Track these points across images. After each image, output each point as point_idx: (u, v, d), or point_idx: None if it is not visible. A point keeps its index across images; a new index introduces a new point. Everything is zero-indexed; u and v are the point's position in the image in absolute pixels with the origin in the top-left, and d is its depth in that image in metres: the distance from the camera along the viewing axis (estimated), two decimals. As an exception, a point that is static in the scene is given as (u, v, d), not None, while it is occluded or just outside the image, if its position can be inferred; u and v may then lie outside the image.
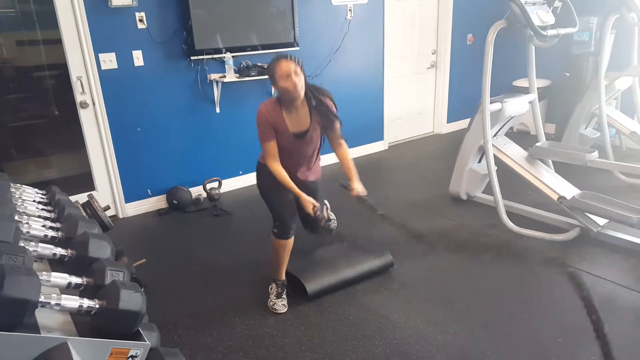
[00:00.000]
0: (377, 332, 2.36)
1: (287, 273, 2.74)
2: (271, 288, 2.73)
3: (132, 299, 1.00)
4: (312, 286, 2.63)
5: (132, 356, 0.97)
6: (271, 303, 2.67)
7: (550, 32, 3.19)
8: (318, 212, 2.38)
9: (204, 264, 3.12)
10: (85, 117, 3.65)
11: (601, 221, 3.17)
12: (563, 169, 3.69)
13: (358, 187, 2.42)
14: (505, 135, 3.80)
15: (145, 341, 0.99)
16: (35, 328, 0.91)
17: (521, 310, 2.49)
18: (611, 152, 4.24)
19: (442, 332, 2.34)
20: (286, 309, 2.64)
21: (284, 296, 2.70)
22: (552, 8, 3.36)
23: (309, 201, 2.37)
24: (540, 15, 3.18)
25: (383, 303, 2.61)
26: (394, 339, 2.31)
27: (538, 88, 5.32)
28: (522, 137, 5.35)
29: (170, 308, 2.63)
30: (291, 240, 2.63)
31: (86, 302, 0.98)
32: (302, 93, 2.31)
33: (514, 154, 3.56)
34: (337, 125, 2.48)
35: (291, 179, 2.46)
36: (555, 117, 5.55)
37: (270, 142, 2.40)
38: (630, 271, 2.82)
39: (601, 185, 3.96)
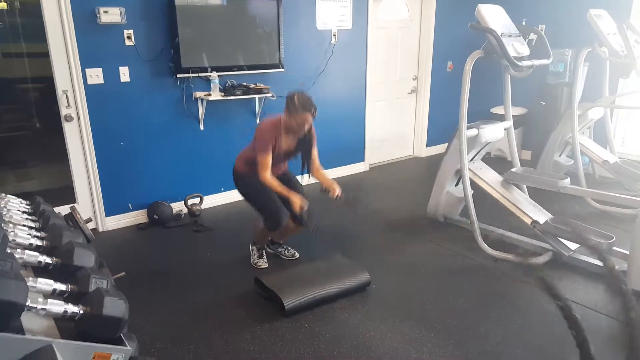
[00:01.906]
0: (353, 349, 2.40)
1: (265, 288, 2.80)
2: (252, 250, 3.30)
3: (115, 306, 1.04)
4: (289, 302, 2.65)
5: (113, 361, 1.00)
6: (254, 261, 3.25)
7: (525, 63, 3.33)
8: (304, 213, 2.86)
9: (183, 279, 3.12)
10: (69, 131, 3.66)
11: (573, 246, 3.26)
12: (538, 195, 3.80)
13: (337, 190, 2.92)
14: (483, 160, 3.92)
15: (127, 346, 1.02)
16: (20, 331, 0.94)
17: (494, 330, 2.56)
18: (584, 179, 4.36)
19: (417, 351, 2.39)
20: (267, 265, 3.22)
21: (264, 255, 3.28)
22: (527, 40, 3.53)
23: (297, 202, 2.81)
24: (516, 47, 3.33)
25: (360, 321, 2.65)
26: (370, 357, 2.34)
27: (515, 116, 5.52)
28: (499, 162, 5.52)
29: (149, 322, 2.62)
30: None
31: (70, 308, 1.02)
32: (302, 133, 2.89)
33: (490, 179, 3.68)
34: (315, 152, 3.02)
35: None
36: (531, 144, 5.74)
37: (269, 155, 2.83)
38: (599, 294, 2.91)
39: (574, 211, 4.10)
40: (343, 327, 2.58)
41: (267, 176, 2.84)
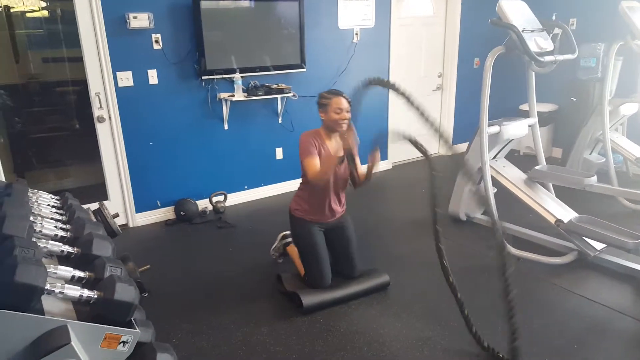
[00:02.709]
0: (366, 344, 2.44)
1: (285, 289, 2.88)
2: (278, 242, 3.29)
3: (126, 291, 1.13)
4: (308, 300, 2.71)
5: (123, 342, 1.09)
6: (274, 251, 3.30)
7: (548, 58, 3.27)
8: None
9: (205, 273, 3.24)
10: (102, 131, 3.84)
11: (599, 246, 3.18)
12: (568, 194, 3.71)
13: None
14: (512, 158, 3.85)
15: (136, 329, 1.11)
16: (40, 312, 1.04)
17: (511, 329, 2.54)
18: (615, 177, 4.24)
19: (430, 348, 2.40)
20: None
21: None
22: (551, 35, 3.46)
23: (347, 141, 2.59)
24: (539, 42, 3.28)
25: (374, 317, 2.68)
26: (382, 351, 2.37)
27: (545, 112, 5.42)
28: (528, 160, 5.40)
29: (171, 312, 2.75)
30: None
31: (86, 292, 1.11)
32: (345, 127, 2.68)
33: (513, 177, 3.62)
34: (357, 159, 2.86)
35: (324, 217, 2.85)
36: (562, 142, 5.60)
37: (315, 157, 2.66)
38: (625, 296, 2.84)
39: (604, 210, 3.97)
40: (357, 323, 2.62)
41: (316, 170, 2.63)
